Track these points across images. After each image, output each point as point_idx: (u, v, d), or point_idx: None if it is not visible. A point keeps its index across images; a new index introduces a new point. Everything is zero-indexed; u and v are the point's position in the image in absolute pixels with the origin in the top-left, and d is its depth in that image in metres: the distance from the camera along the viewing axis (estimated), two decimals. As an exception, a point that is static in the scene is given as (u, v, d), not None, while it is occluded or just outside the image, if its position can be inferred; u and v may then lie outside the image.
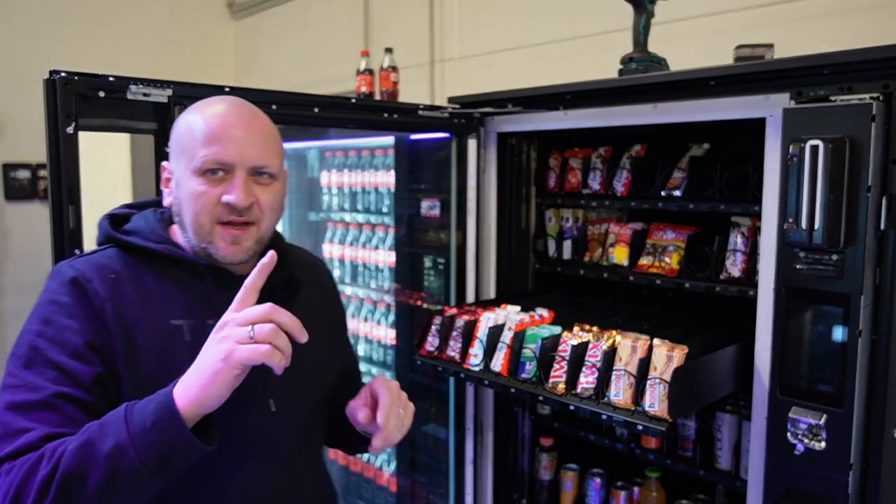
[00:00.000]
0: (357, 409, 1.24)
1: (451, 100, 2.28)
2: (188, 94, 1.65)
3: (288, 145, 3.48)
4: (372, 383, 1.28)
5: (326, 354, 1.37)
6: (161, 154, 1.65)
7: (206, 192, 1.14)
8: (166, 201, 1.22)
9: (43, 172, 4.91)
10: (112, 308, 1.11)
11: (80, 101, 1.48)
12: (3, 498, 0.98)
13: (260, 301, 1.12)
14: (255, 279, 1.08)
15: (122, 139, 4.61)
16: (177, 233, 1.23)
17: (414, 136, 2.62)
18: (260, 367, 1.08)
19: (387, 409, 1.21)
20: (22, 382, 1.06)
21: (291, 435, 1.27)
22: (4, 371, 1.11)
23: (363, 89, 3.02)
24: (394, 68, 2.91)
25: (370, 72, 3.02)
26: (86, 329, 1.10)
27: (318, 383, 1.35)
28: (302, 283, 1.30)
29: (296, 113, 1.87)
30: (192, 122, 1.17)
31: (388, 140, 2.76)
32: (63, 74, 1.46)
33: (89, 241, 1.49)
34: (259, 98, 1.80)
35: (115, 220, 1.24)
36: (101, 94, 1.53)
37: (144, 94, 1.59)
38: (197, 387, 1.01)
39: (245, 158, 1.15)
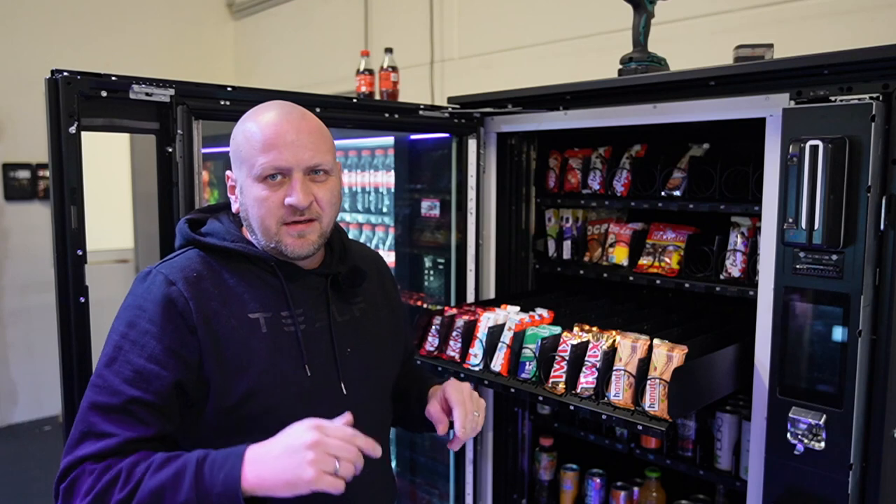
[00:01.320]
0: (437, 423, 1.37)
1: (450, 100, 2.28)
2: (191, 93, 1.65)
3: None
4: (446, 389, 1.39)
5: (390, 341, 1.47)
6: (163, 154, 1.65)
7: (269, 197, 1.22)
8: (234, 207, 1.30)
9: (43, 172, 4.91)
10: (196, 306, 1.18)
11: (82, 100, 1.48)
12: (82, 499, 1.08)
13: (326, 290, 1.32)
14: (364, 442, 1.12)
15: (122, 139, 4.62)
16: (247, 233, 1.30)
17: (414, 137, 2.62)
18: (331, 358, 1.28)
19: (462, 420, 1.33)
20: (104, 383, 1.14)
21: (362, 420, 1.28)
22: (93, 374, 1.18)
23: (363, 89, 3.02)
24: (394, 68, 2.91)
25: (370, 72, 3.02)
26: (168, 334, 1.16)
27: (384, 369, 1.44)
28: (366, 275, 1.39)
29: (297, 113, 1.87)
30: (249, 132, 1.24)
31: (388, 140, 2.76)
32: (65, 74, 1.45)
33: (91, 241, 1.49)
34: (262, 98, 1.81)
35: (193, 224, 1.32)
36: (104, 93, 1.53)
37: (147, 94, 1.58)
38: (269, 478, 1.06)
39: (300, 161, 1.22)
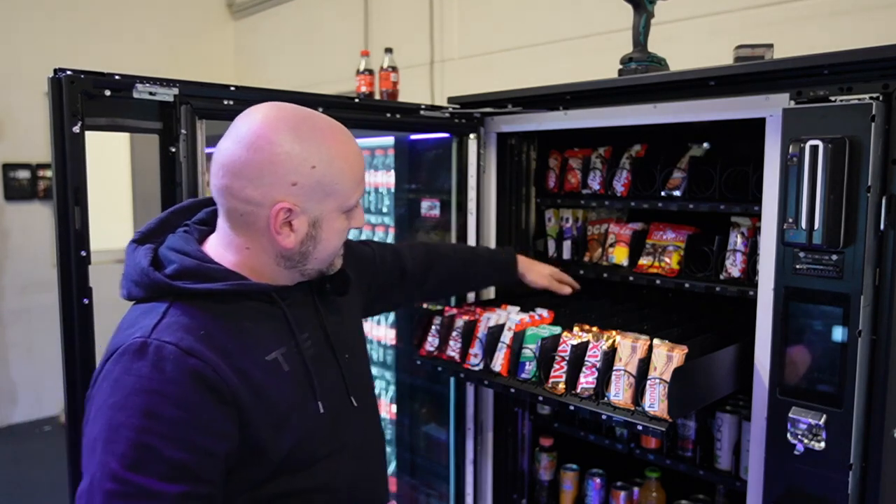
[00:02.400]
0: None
1: (450, 100, 2.28)
2: (194, 92, 1.64)
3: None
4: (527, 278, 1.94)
5: (360, 322, 1.49)
6: (166, 154, 1.64)
7: (345, 227, 1.19)
8: (288, 243, 1.13)
9: (43, 172, 4.91)
10: (224, 372, 1.03)
11: (85, 99, 1.47)
12: None
13: (314, 301, 1.24)
14: None
15: (122, 139, 4.62)
16: (214, 252, 1.16)
17: (414, 137, 2.62)
18: (337, 374, 1.23)
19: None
20: (135, 490, 0.95)
21: (368, 421, 1.34)
22: (97, 468, 0.97)
23: (363, 89, 3.02)
24: (394, 68, 2.91)
25: (370, 72, 3.02)
26: (205, 414, 1.01)
27: (365, 358, 1.43)
28: (351, 279, 1.32)
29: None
30: (340, 167, 1.14)
31: (388, 140, 2.76)
32: (69, 73, 1.44)
33: (95, 241, 1.49)
34: (265, 97, 1.80)
35: (157, 267, 1.13)
36: (107, 92, 1.52)
37: (150, 93, 1.58)
38: None
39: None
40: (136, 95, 1.56)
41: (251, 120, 1.12)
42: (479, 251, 2.05)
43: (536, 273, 2.04)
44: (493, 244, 2.33)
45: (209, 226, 1.22)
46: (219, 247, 1.17)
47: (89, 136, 1.49)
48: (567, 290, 2.08)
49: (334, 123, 1.19)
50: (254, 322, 1.12)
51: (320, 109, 1.88)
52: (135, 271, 1.12)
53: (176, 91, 1.61)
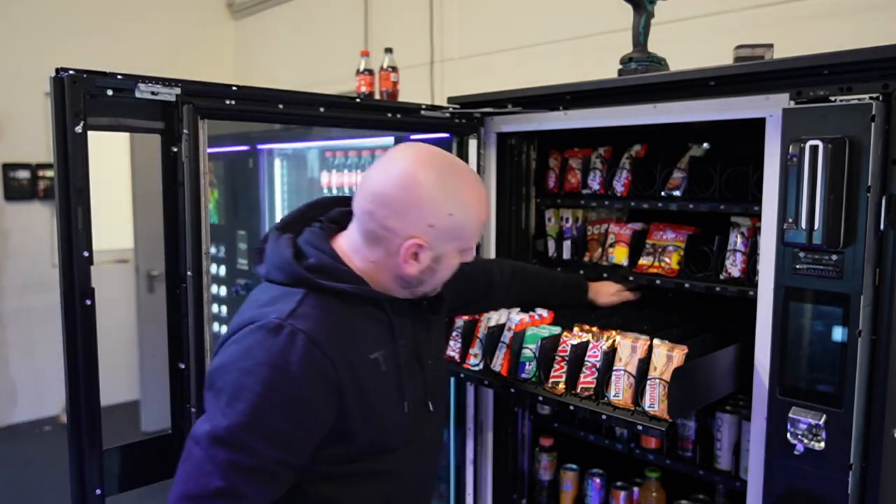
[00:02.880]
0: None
1: (450, 100, 2.28)
2: (196, 92, 1.64)
3: (288, 145, 3.51)
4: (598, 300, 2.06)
5: (443, 334, 1.63)
6: (168, 154, 1.65)
7: (459, 262, 1.34)
8: (410, 270, 1.28)
9: (43, 172, 4.91)
10: (339, 366, 1.19)
11: (87, 99, 1.46)
12: None
13: (408, 311, 1.36)
14: None
15: (122, 138, 4.61)
16: (343, 253, 1.30)
17: (414, 137, 2.62)
18: (420, 379, 1.36)
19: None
20: (241, 445, 1.12)
21: (438, 426, 1.50)
22: (217, 416, 1.14)
23: (363, 89, 3.02)
24: (394, 68, 2.91)
25: (370, 72, 3.02)
26: (315, 399, 1.17)
27: (445, 369, 1.61)
28: (445, 301, 1.46)
29: (302, 112, 1.87)
30: (472, 217, 1.29)
31: (388, 140, 2.77)
32: (71, 72, 1.44)
33: (96, 242, 1.49)
34: (266, 97, 1.81)
35: (300, 258, 1.28)
36: (109, 92, 1.52)
37: (153, 93, 1.58)
38: None
39: None
40: (138, 95, 1.56)
41: (405, 158, 1.26)
42: (556, 274, 2.17)
43: (606, 294, 2.14)
44: (493, 244, 2.34)
45: (338, 224, 1.37)
46: (348, 250, 1.31)
47: (90, 136, 1.48)
48: (633, 296, 2.19)
49: (474, 175, 1.34)
50: (366, 323, 1.28)
51: (321, 109, 1.91)
52: (278, 258, 1.28)
53: (178, 91, 1.61)
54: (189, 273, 1.64)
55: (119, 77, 1.53)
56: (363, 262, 1.29)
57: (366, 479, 1.31)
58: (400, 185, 1.23)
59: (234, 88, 1.71)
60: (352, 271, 1.28)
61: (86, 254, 1.47)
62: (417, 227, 1.24)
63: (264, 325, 1.18)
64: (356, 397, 1.22)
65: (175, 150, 1.63)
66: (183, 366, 1.68)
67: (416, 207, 1.23)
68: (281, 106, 1.81)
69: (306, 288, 1.24)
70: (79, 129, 1.45)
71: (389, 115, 2.09)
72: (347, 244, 1.31)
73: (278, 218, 3.41)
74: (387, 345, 1.30)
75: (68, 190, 1.45)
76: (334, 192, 3.12)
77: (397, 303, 1.33)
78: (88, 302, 1.48)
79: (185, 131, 1.61)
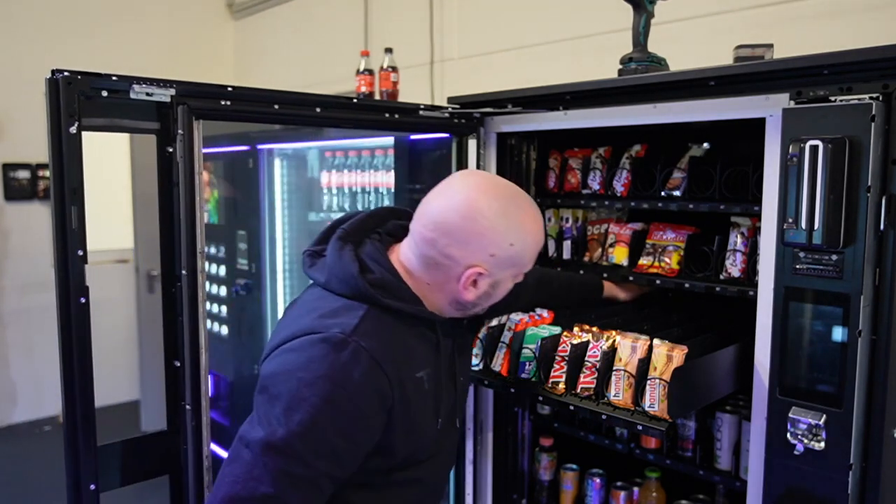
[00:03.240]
0: None
1: (450, 100, 2.28)
2: (191, 93, 1.64)
3: (288, 145, 3.51)
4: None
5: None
6: (164, 154, 1.65)
7: (513, 285, 1.36)
8: (468, 297, 1.30)
9: (43, 172, 4.91)
10: (394, 384, 1.22)
11: (82, 100, 1.47)
12: None
13: (451, 331, 1.38)
14: None
15: (122, 138, 4.62)
16: (400, 270, 1.31)
17: (414, 137, 2.62)
18: (453, 395, 1.39)
19: None
20: (293, 454, 1.13)
21: (458, 438, 1.56)
22: (273, 423, 1.15)
23: (363, 89, 3.02)
24: (393, 68, 2.91)
25: (370, 72, 3.02)
26: (368, 417, 1.20)
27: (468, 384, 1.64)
28: (484, 319, 1.53)
29: (298, 113, 1.87)
30: (529, 246, 1.31)
31: (388, 140, 2.76)
32: (66, 73, 1.45)
33: (90, 241, 1.49)
34: (262, 98, 1.81)
35: (365, 273, 1.29)
36: (104, 93, 1.53)
37: (147, 94, 1.58)
38: None
39: None
40: (132, 96, 1.56)
41: (468, 187, 1.29)
42: (574, 276, 2.20)
43: (627, 288, 2.20)
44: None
45: (394, 237, 1.39)
46: (403, 268, 1.32)
47: (90, 135, 1.49)
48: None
49: (531, 203, 1.34)
50: (416, 341, 1.31)
51: (318, 110, 1.90)
52: (342, 271, 1.29)
53: (173, 91, 1.61)
54: (184, 272, 1.65)
55: (114, 78, 1.54)
56: (418, 284, 1.31)
57: (394, 487, 1.35)
58: (463, 214, 1.25)
59: (229, 89, 1.71)
60: (411, 290, 1.30)
61: (80, 253, 1.48)
62: (479, 257, 1.26)
63: (329, 339, 1.18)
64: (402, 414, 1.24)
65: (170, 150, 1.64)
66: (178, 364, 1.69)
67: (477, 237, 1.25)
68: (276, 106, 1.81)
69: (368, 304, 1.25)
70: (73, 129, 1.45)
71: (387, 115, 2.08)
72: (403, 264, 1.32)
73: (278, 218, 3.44)
74: (430, 364, 1.32)
75: (63, 190, 1.45)
76: (334, 192, 3.12)
77: (445, 323, 1.36)
78: (83, 300, 1.49)
79: (179, 132, 1.61)
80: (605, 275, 2.18)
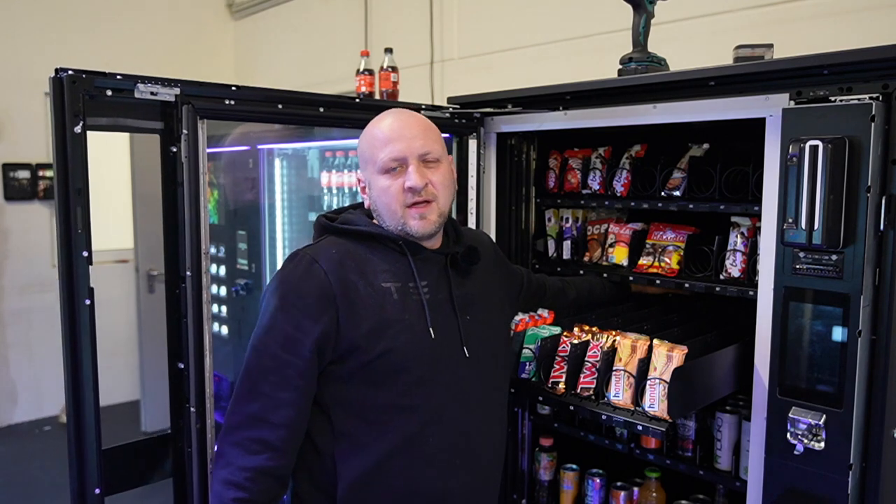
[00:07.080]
0: None
1: (450, 100, 2.28)
2: (196, 92, 1.64)
3: (288, 145, 3.51)
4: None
5: (503, 311, 1.69)
6: (168, 154, 1.65)
7: (391, 185, 1.43)
8: (366, 204, 1.51)
9: (43, 172, 4.91)
10: (335, 279, 1.38)
11: (87, 99, 1.46)
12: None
13: (446, 267, 1.50)
14: None
15: (122, 138, 4.61)
16: (378, 222, 1.50)
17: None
18: (453, 323, 1.47)
19: None
20: (262, 346, 1.38)
21: (481, 380, 1.53)
22: (253, 336, 1.41)
23: (363, 89, 3.02)
24: (394, 68, 2.91)
25: (370, 72, 3.02)
26: (311, 305, 1.37)
27: (500, 335, 1.65)
28: (480, 254, 1.56)
29: (300, 112, 1.88)
30: (371, 135, 1.47)
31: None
32: (70, 72, 1.44)
33: (95, 242, 1.49)
34: (264, 97, 1.81)
35: (328, 219, 1.53)
36: (109, 92, 1.52)
37: (152, 93, 1.58)
38: None
39: (412, 149, 1.43)
40: (137, 95, 1.56)
41: None
42: (596, 279, 2.24)
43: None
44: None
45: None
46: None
47: (90, 135, 1.48)
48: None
49: (395, 109, 1.50)
50: (380, 259, 1.45)
51: (320, 109, 1.91)
52: (316, 224, 1.54)
53: (177, 91, 1.61)
54: (188, 273, 1.64)
55: (118, 77, 1.53)
56: (374, 214, 1.51)
57: (388, 413, 1.41)
58: None
59: (233, 88, 1.71)
60: (370, 221, 1.50)
61: (85, 254, 1.47)
62: (361, 168, 1.52)
63: (287, 259, 1.44)
64: (349, 310, 1.37)
65: (174, 150, 1.63)
66: (182, 366, 1.68)
67: (358, 155, 1.52)
68: (280, 106, 1.81)
69: (330, 233, 1.49)
70: (78, 129, 1.45)
71: (389, 115, 2.08)
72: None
73: (278, 218, 3.44)
74: (402, 280, 1.45)
75: (68, 190, 1.45)
76: (334, 192, 3.12)
77: (421, 250, 1.47)
78: (88, 302, 1.48)
79: (184, 131, 1.61)
80: (605, 275, 2.19)
